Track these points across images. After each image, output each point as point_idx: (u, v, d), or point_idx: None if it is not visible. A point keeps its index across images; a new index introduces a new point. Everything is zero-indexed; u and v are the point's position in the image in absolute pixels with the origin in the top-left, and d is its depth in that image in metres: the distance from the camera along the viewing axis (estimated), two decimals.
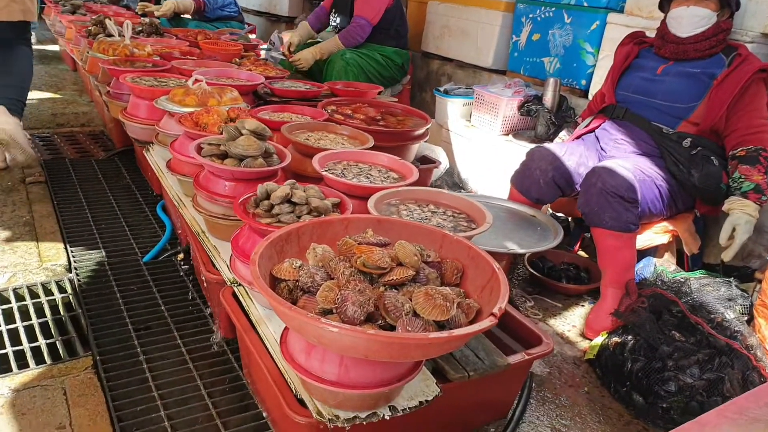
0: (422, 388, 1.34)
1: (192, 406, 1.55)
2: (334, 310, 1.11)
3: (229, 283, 1.61)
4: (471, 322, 1.17)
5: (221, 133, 1.98)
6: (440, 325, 1.14)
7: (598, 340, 2.02)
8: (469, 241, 1.38)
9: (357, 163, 1.93)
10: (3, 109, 2.79)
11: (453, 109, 3.60)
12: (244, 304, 1.55)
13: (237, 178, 1.76)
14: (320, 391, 1.19)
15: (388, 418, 1.24)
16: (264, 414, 1.54)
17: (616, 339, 1.94)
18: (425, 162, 2.93)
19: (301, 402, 1.25)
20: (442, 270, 1.31)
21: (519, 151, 3.11)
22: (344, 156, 1.95)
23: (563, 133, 2.95)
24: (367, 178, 1.81)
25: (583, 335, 2.17)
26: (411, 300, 1.13)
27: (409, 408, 1.28)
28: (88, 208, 2.59)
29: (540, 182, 2.39)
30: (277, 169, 1.80)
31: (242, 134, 1.79)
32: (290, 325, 1.10)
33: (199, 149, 1.84)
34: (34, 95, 4.12)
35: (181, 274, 2.18)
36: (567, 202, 2.61)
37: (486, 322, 1.07)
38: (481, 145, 3.37)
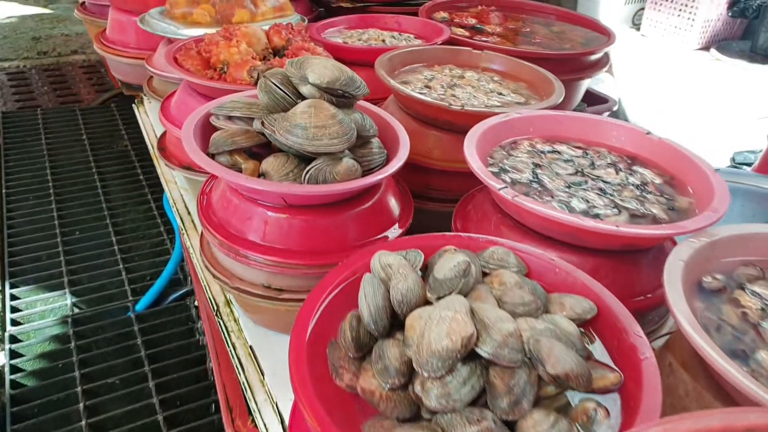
0: None
1: None
2: None
3: None
4: None
5: (255, 83, 0.98)
6: None
7: None
8: None
9: (586, 149, 0.89)
10: None
11: (610, 10, 2.41)
12: None
13: (298, 213, 0.76)
14: None
15: None
16: None
17: None
18: (592, 101, 1.83)
19: None
20: None
21: (728, 74, 1.97)
22: (551, 127, 0.91)
23: None
24: (640, 202, 0.77)
25: None
26: None
27: None
28: (55, 200, 1.66)
29: None
30: (380, 182, 0.79)
31: (303, 95, 0.78)
32: None
33: (205, 131, 0.83)
34: (14, 10, 3.15)
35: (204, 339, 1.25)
36: None
37: None
38: (661, 65, 2.21)
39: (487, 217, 0.79)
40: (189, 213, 1.14)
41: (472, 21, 1.65)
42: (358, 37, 1.36)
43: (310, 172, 0.74)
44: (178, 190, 1.21)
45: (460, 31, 1.53)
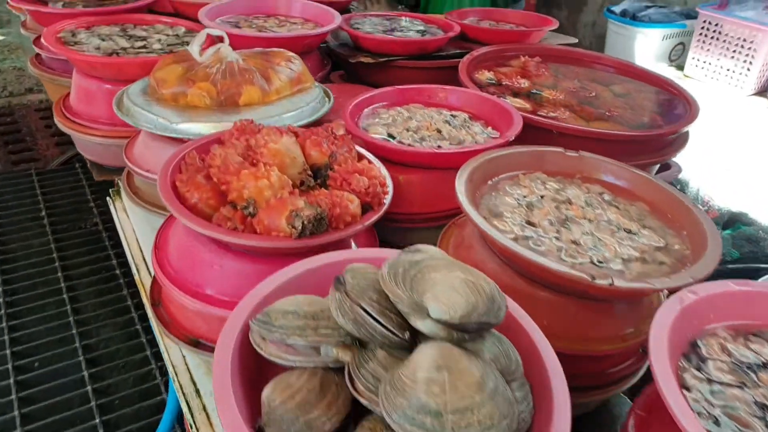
0: None
1: None
2: None
3: None
4: None
5: (299, 235, 0.68)
6: None
7: None
8: None
9: None
10: None
11: (645, 46, 2.15)
12: None
13: None
14: None
15: None
16: None
17: None
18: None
19: None
20: None
21: None
22: (739, 310, 0.63)
23: None
24: None
25: None
26: None
27: None
28: (6, 314, 1.30)
29: None
30: None
31: (416, 328, 0.47)
32: None
33: (244, 356, 0.52)
34: None
35: None
36: None
37: None
38: (712, 113, 1.96)
39: None
40: (199, 394, 0.81)
41: (524, 83, 1.36)
42: (404, 124, 1.05)
43: None
44: (178, 348, 0.88)
45: (518, 102, 1.24)
